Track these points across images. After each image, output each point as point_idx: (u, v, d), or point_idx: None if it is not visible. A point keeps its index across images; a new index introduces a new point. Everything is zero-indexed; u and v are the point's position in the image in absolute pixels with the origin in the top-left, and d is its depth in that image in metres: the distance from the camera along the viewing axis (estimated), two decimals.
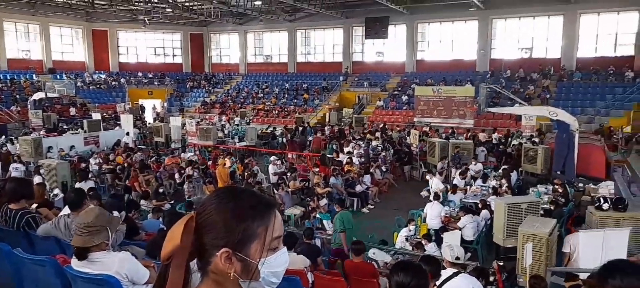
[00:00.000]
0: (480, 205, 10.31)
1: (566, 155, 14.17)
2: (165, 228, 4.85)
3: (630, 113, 21.48)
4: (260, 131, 22.61)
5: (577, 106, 23.12)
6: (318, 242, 8.85)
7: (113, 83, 34.83)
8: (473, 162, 15.18)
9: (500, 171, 13.98)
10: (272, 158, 14.94)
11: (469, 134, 19.94)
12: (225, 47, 40.37)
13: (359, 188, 13.73)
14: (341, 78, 32.55)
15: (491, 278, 6.44)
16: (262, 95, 33.34)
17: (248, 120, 26.53)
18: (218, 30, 39.23)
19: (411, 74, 31.23)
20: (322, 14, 30.74)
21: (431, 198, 10.76)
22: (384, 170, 16.00)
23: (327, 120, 27.99)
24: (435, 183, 12.51)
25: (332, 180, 13.27)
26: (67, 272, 2.94)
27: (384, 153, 17.15)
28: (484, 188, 12.38)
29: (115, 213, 4.51)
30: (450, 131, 20.66)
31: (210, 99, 34.46)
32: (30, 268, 3.28)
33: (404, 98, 27.99)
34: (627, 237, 5.40)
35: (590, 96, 24.14)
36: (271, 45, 37.97)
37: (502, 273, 6.87)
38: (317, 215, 11.08)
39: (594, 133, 19.58)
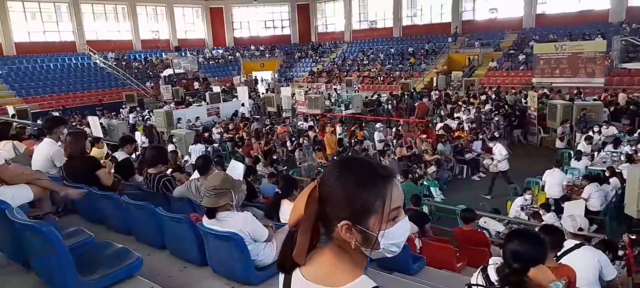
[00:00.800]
0: (607, 173, 9.32)
1: None
2: (280, 192, 5.25)
3: None
4: (366, 98, 22.68)
5: None
6: (425, 209, 8.83)
7: (229, 57, 37.38)
8: (604, 126, 13.62)
9: (635, 135, 12.41)
10: (377, 125, 14.98)
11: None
12: (331, 16, 40.70)
13: (469, 155, 13.22)
14: (450, 39, 30.98)
15: (620, 253, 5.89)
16: (367, 62, 33.20)
17: (355, 88, 26.71)
18: None
19: (530, 30, 28.57)
20: None
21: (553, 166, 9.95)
22: (497, 135, 15.10)
23: (435, 84, 27.01)
24: (498, 149, 11.29)
25: (440, 147, 12.95)
26: (200, 229, 3.40)
27: (496, 119, 16.17)
28: (614, 154, 11.12)
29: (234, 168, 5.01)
30: (575, 91, 18.67)
31: (317, 69, 35.26)
32: (169, 225, 3.83)
33: (521, 57, 25.81)
34: None
35: None
36: (376, 10, 37.36)
37: (634, 248, 6.23)
38: (425, 182, 10.98)
39: None
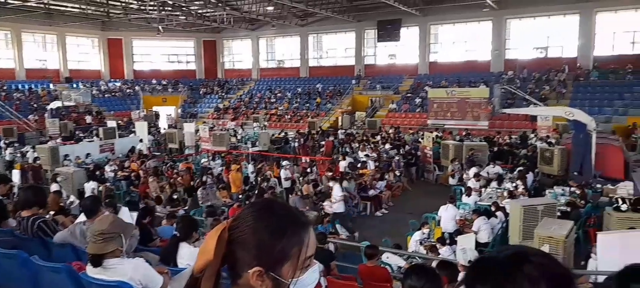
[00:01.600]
0: (493, 208, 10.18)
1: (583, 155, 13.94)
2: (178, 235, 4.88)
3: None
4: (273, 136, 22.70)
5: (594, 106, 22.70)
6: (331, 247, 8.83)
7: (128, 91, 35.34)
8: (491, 165, 15.00)
9: (515, 173, 13.80)
10: (284, 163, 14.96)
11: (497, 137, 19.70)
12: (238, 53, 40.72)
13: (372, 192, 13.68)
14: (353, 81, 32.52)
15: None
16: (274, 100, 33.48)
17: (262, 125, 26.65)
18: (231, 36, 39.57)
19: (424, 75, 31.06)
20: (334, 18, 30.81)
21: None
22: (399, 174, 15.92)
23: (340, 124, 27.96)
24: (336, 190, 11.89)
25: (344, 184, 13.23)
26: (83, 279, 2.98)
27: (397, 158, 17.07)
28: (498, 190, 12.22)
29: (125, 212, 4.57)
30: (464, 133, 20.46)
31: (224, 105, 34.72)
32: (46, 276, 3.33)
33: (417, 100, 27.84)
34: None
35: (608, 95, 23.70)
36: (283, 50, 38.21)
37: None
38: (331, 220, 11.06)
39: (611, 133, 19.22)
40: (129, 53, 37.69)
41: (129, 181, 14.76)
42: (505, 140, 19.62)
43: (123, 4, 28.94)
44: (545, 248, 5.87)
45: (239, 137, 23.06)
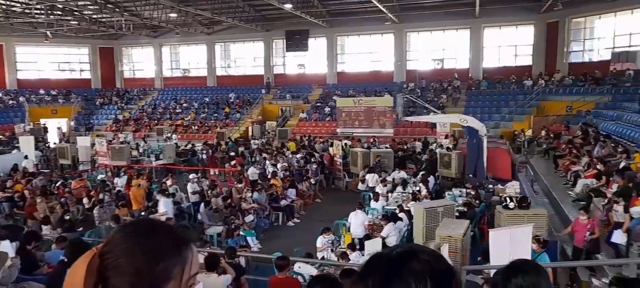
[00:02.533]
0: (397, 211, 10.58)
1: (477, 159, 15.15)
2: (66, 260, 4.35)
3: (530, 117, 23.51)
4: (179, 148, 21.67)
5: (485, 113, 24.85)
6: (242, 261, 8.55)
7: (10, 102, 31.65)
8: (397, 171, 15.67)
9: (419, 177, 14.56)
10: (191, 176, 14.30)
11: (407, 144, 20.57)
12: (139, 61, 38.41)
13: (283, 202, 13.58)
14: (263, 91, 32.31)
15: None
16: (180, 110, 32.09)
17: (168, 137, 25.34)
18: (130, 43, 37.25)
19: (332, 85, 31.80)
20: (242, 27, 30.42)
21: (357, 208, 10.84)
22: (314, 182, 16.08)
23: (250, 133, 27.55)
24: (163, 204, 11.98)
25: (255, 195, 12.98)
26: None
27: (307, 166, 17.19)
28: (403, 194, 12.78)
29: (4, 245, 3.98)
30: (371, 140, 21.21)
31: (124, 116, 32.52)
32: None
33: (327, 109, 28.39)
34: (531, 233, 5.77)
35: (496, 103, 26.10)
36: (189, 58, 36.80)
37: None
38: (241, 232, 10.74)
39: (500, 137, 21.14)
40: (12, 60, 33.78)
41: (12, 203, 13.13)
42: (411, 147, 20.63)
43: (4, 7, 25.94)
44: (445, 247, 6.17)
45: (141, 150, 21.66)
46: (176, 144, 22.78)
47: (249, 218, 11.15)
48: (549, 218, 9.00)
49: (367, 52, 31.98)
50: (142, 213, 12.32)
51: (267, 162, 17.17)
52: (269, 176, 15.21)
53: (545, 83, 25.84)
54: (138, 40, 35.91)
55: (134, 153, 20.48)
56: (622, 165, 12.11)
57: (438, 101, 26.10)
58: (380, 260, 0.96)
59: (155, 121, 30.72)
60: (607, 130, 17.94)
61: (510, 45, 28.84)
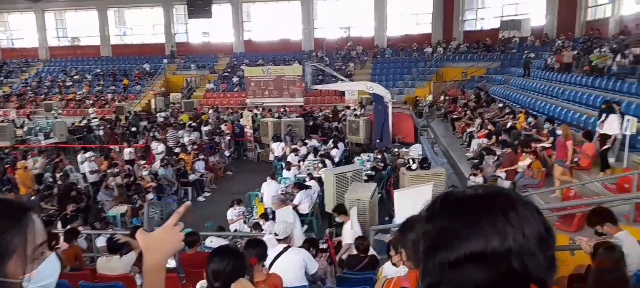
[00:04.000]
0: (307, 179, 10.68)
1: (383, 124, 15.73)
2: None
3: (430, 83, 24.93)
4: (72, 125, 19.77)
5: (390, 80, 25.86)
6: None
7: None
8: (309, 139, 15.74)
9: (330, 144, 14.79)
10: (87, 154, 13.13)
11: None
12: (18, 29, 34.11)
13: (192, 176, 13.06)
14: (165, 61, 30.48)
15: (325, 246, 6.68)
16: (71, 83, 29.19)
17: (56, 114, 22.98)
18: (6, 8, 32.81)
19: (240, 54, 30.93)
20: None
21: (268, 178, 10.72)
22: (228, 154, 15.66)
23: (153, 107, 25.99)
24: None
25: (160, 171, 12.31)
26: None
27: (227, 138, 16.67)
28: (314, 162, 12.90)
29: None
30: (282, 110, 21.07)
31: (3, 91, 28.86)
32: None
33: (235, 79, 27.60)
34: (431, 191, 6.11)
35: (400, 70, 27.25)
36: (78, 26, 33.37)
37: (334, 240, 7.20)
38: None
39: (403, 103, 22.17)
40: None
41: None
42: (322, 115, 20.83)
43: None
44: (354, 211, 6.32)
45: (25, 129, 19.44)
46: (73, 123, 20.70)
47: (149, 196, 10.55)
48: (447, 177, 9.63)
49: (274, 20, 31.42)
50: (33, 198, 11.11)
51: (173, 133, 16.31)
52: (178, 150, 14.48)
53: (444, 50, 27.46)
54: (14, 4, 31.77)
55: (19, 132, 18.33)
56: (508, 124, 13.33)
57: (346, 69, 26.58)
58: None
59: (42, 96, 27.67)
60: (497, 94, 19.61)
61: (412, 13, 30.07)
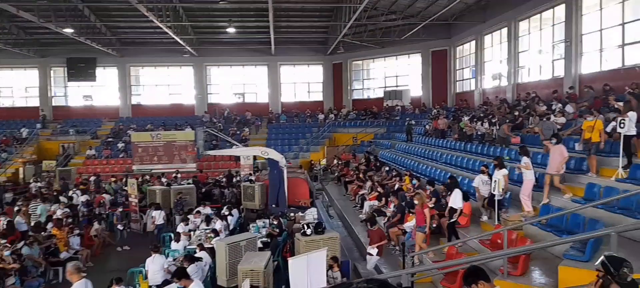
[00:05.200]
0: (198, 249, 10.06)
1: (278, 189, 15.65)
2: None
3: (324, 148, 25.78)
4: None
5: (285, 144, 26.24)
6: None
7: None
8: (202, 207, 14.97)
9: (224, 210, 14.22)
10: None
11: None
12: None
13: (64, 254, 11.53)
14: (38, 125, 27.61)
15: None
16: None
17: None
18: None
19: (127, 119, 29.25)
20: (10, 51, 25.65)
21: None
22: (121, 228, 14.22)
23: (21, 176, 23.07)
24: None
25: (24, 250, 10.68)
26: None
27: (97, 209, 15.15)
28: (207, 231, 12.23)
29: None
30: (173, 176, 20.02)
31: None
32: None
33: (120, 145, 25.81)
34: (325, 256, 6.07)
35: (295, 135, 27.85)
36: None
37: None
38: None
39: (299, 167, 22.48)
40: None
41: None
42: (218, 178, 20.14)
43: None
44: (247, 283, 5.99)
45: None
46: None
47: (10, 280, 9.05)
48: (342, 240, 9.73)
49: (165, 84, 30.57)
50: None
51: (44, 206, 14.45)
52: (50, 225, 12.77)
53: (335, 117, 28.85)
54: None
55: None
56: (396, 187, 14.09)
57: (241, 134, 26.44)
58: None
59: None
60: (384, 157, 20.84)
61: (304, 82, 31.44)
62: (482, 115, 16.98)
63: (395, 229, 10.43)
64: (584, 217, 7.27)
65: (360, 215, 13.90)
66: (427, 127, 20.81)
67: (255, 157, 21.66)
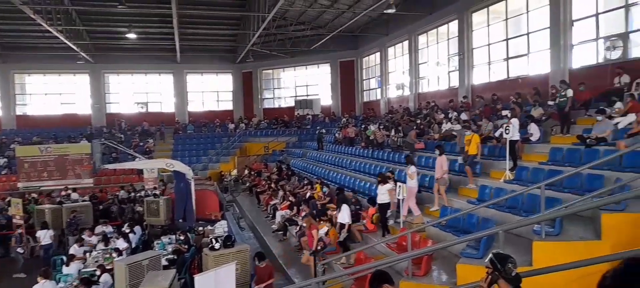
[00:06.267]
0: (98, 272, 9.22)
1: (186, 202, 14.94)
2: None
3: (235, 158, 25.19)
4: None
5: (193, 156, 25.24)
6: None
7: None
8: (103, 225, 13.75)
9: (125, 228, 13.20)
10: None
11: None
12: None
13: None
14: None
15: None
16: None
17: None
18: None
19: (10, 131, 26.17)
20: None
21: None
22: (21, 251, 12.46)
23: None
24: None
25: None
26: None
27: None
28: (105, 251, 11.27)
29: None
30: (64, 193, 18.23)
31: None
32: None
33: (3, 161, 22.98)
34: (234, 271, 5.83)
35: (203, 146, 26.88)
36: None
37: None
38: None
39: (208, 179, 21.71)
40: None
41: None
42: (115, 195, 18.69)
43: None
44: None
45: None
46: None
47: None
48: (252, 252, 9.49)
49: (56, 92, 27.91)
50: None
51: None
52: None
53: (246, 126, 28.40)
54: None
55: None
56: (308, 195, 14.16)
57: (144, 145, 24.94)
58: None
59: None
60: (296, 166, 20.89)
61: (213, 91, 30.61)
62: (387, 123, 17.73)
63: (306, 238, 10.42)
64: (478, 216, 7.83)
65: (273, 226, 13.75)
66: (336, 135, 21.26)
67: (162, 170, 20.49)
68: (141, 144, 25.18)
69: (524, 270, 3.69)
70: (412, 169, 9.74)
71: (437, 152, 10.14)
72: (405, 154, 11.42)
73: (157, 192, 17.49)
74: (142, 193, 18.46)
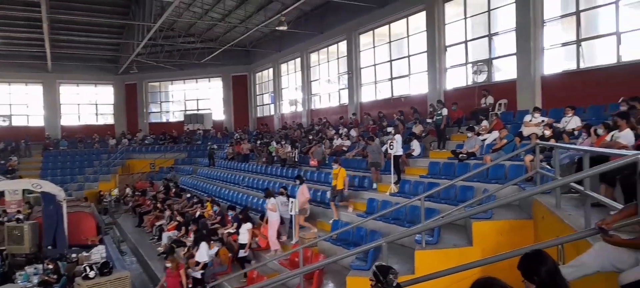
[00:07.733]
0: None
1: (56, 227, 13.35)
2: None
3: (116, 176, 23.22)
4: None
5: (67, 174, 22.79)
6: None
7: None
8: None
9: None
10: None
11: None
12: None
13: None
14: None
15: None
16: None
17: None
18: None
19: None
20: None
21: None
22: None
23: None
24: None
25: None
26: None
27: None
28: None
29: None
30: None
31: None
32: None
33: None
34: None
35: (79, 163, 24.39)
36: None
37: None
38: None
39: (84, 199, 19.70)
40: None
41: None
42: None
43: None
44: None
45: None
46: None
47: None
48: (134, 279, 8.76)
49: None
50: None
51: None
52: None
53: (129, 142, 26.42)
54: None
55: None
56: (197, 214, 13.53)
57: (6, 164, 21.87)
58: None
59: None
60: (186, 184, 19.91)
61: (91, 103, 28.11)
62: (281, 139, 17.75)
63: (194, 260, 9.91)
64: (366, 229, 8.12)
65: (158, 248, 12.86)
66: (228, 150, 20.74)
67: (27, 191, 18.08)
68: (2, 162, 22.07)
69: (406, 279, 3.86)
70: (271, 202, 9.56)
71: (297, 181, 10.14)
72: (296, 173, 11.37)
73: (21, 216, 15.36)
74: (5, 218, 16.07)
